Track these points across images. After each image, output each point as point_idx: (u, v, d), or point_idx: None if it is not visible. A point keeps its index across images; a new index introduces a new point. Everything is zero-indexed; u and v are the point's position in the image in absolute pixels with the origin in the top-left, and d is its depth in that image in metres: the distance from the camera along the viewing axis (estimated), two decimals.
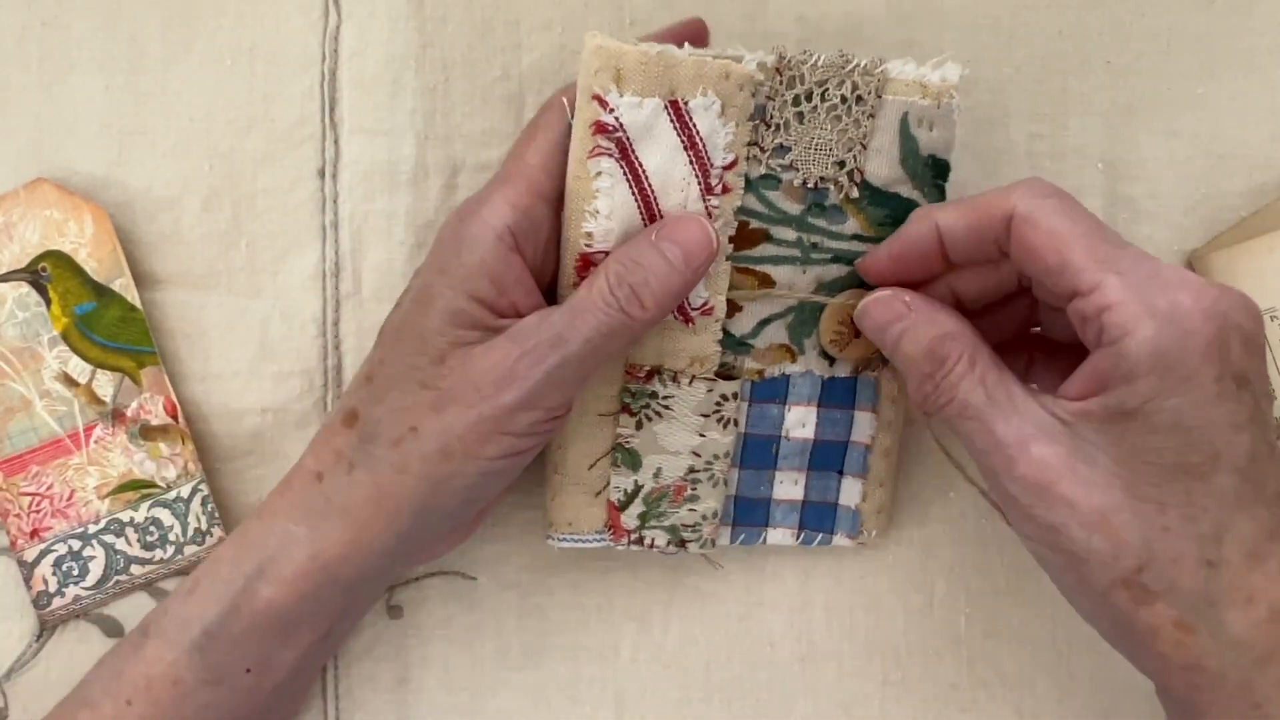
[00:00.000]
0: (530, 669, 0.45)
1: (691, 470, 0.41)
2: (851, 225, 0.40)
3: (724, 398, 0.41)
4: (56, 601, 0.43)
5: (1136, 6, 0.45)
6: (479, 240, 0.37)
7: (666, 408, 0.40)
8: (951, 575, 0.45)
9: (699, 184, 0.38)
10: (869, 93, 0.38)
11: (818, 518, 0.44)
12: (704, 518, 0.42)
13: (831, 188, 0.39)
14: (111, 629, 0.43)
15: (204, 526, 0.43)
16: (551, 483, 0.42)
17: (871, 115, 0.38)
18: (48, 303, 0.43)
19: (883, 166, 0.39)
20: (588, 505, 0.42)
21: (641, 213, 0.38)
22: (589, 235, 0.38)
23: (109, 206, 0.43)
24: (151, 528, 0.43)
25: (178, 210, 0.44)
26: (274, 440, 0.44)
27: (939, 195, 0.40)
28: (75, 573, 0.43)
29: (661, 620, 0.45)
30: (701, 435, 0.41)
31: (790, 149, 0.39)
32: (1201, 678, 0.34)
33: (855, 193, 0.39)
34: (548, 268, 0.39)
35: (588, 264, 0.38)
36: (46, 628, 0.43)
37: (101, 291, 0.43)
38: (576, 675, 0.45)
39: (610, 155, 0.37)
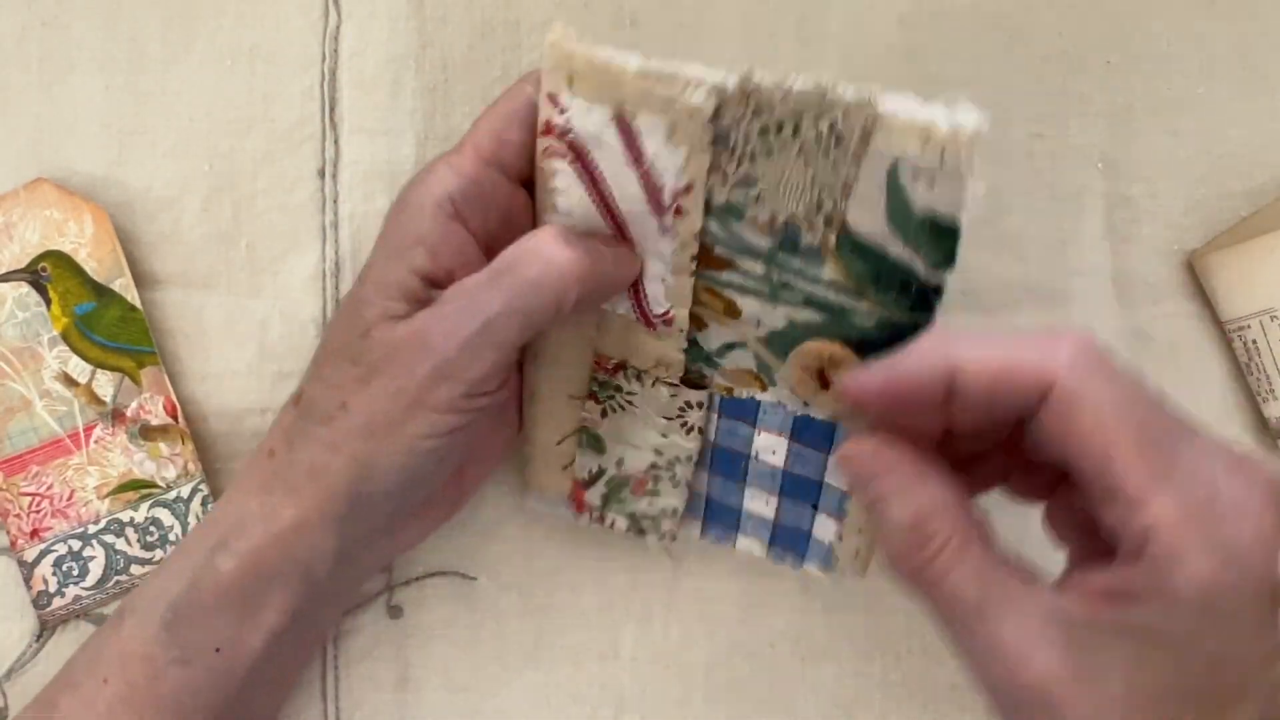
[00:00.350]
0: (530, 669, 0.45)
1: (653, 466, 0.41)
2: (827, 270, 0.35)
3: (688, 405, 0.40)
4: (56, 601, 0.43)
5: (1136, 6, 0.45)
6: (418, 209, 0.36)
7: (630, 403, 0.40)
8: None
9: (649, 201, 0.35)
10: (851, 134, 0.32)
11: (789, 539, 0.42)
12: (663, 512, 0.42)
13: (805, 228, 0.34)
14: None
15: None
16: (524, 452, 0.43)
17: (856, 159, 0.33)
18: (48, 303, 0.43)
19: (867, 217, 0.33)
20: (556, 474, 0.42)
21: (603, 213, 0.36)
22: None
23: (109, 206, 0.43)
24: (151, 528, 0.43)
25: (178, 210, 0.44)
26: None
27: (945, 259, 0.33)
28: (75, 573, 0.43)
29: (661, 620, 0.45)
30: (664, 436, 0.41)
31: (757, 180, 0.34)
32: None
33: (833, 240, 0.34)
34: (503, 238, 0.37)
35: None
36: (46, 628, 0.43)
37: (101, 291, 0.43)
38: (576, 675, 0.45)
39: (563, 157, 0.35)
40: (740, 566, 0.45)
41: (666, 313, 0.38)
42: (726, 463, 0.42)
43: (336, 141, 0.44)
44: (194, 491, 0.43)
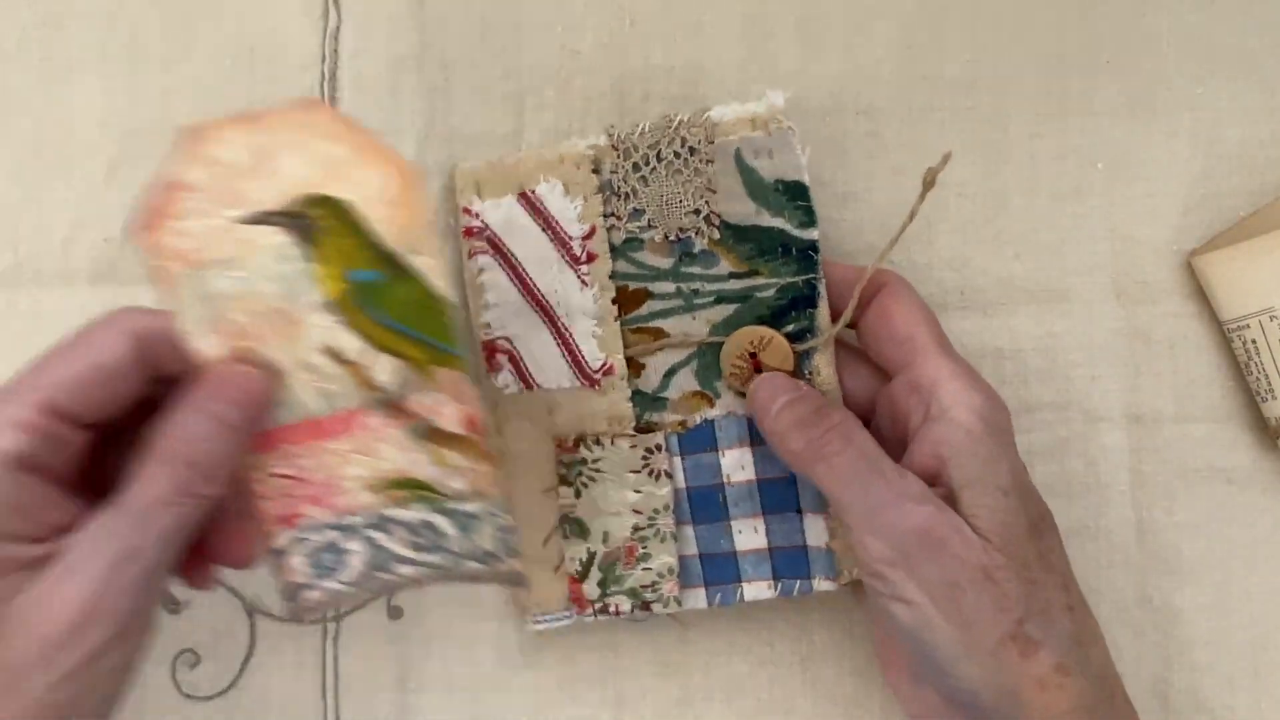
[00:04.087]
0: (530, 669, 0.45)
1: (636, 529, 0.42)
2: (724, 265, 0.41)
3: (650, 450, 0.42)
4: (309, 595, 0.37)
5: (1136, 6, 0.45)
6: None
7: (599, 470, 0.42)
8: None
9: (564, 256, 0.41)
10: (699, 142, 0.40)
11: (790, 565, 0.42)
12: (660, 575, 0.42)
13: (694, 235, 0.41)
14: None
15: (495, 551, 0.38)
16: None
17: (709, 160, 0.40)
18: (314, 260, 0.35)
19: (735, 204, 0.40)
20: (551, 582, 0.43)
21: (522, 293, 0.42)
22: (487, 325, 0.42)
23: (108, 207, 0.43)
24: (425, 530, 0.37)
25: None
26: None
27: (806, 216, 0.40)
28: (332, 565, 0.37)
29: (662, 620, 0.45)
30: (637, 491, 0.42)
31: (644, 210, 0.41)
32: (1080, 718, 0.36)
33: (717, 235, 0.41)
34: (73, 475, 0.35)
35: (492, 351, 0.42)
36: (295, 619, 0.40)
37: (391, 263, 0.35)
38: (576, 675, 0.45)
39: (485, 253, 0.42)
40: None
41: (605, 364, 0.42)
42: (704, 504, 0.43)
43: None
44: (488, 515, 0.37)
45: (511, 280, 0.42)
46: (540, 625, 0.43)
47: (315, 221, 0.34)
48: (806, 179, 0.40)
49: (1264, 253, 0.43)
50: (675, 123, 0.40)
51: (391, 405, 0.36)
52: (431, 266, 0.35)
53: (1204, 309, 0.45)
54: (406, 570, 0.37)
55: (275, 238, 0.34)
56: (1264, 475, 0.45)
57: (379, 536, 0.37)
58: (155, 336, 0.34)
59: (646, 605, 0.42)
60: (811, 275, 0.41)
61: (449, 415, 0.37)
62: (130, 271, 0.44)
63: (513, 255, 0.42)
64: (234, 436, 0.34)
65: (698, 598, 0.43)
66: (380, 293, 0.35)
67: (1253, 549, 0.45)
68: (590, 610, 0.43)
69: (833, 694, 0.45)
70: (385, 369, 0.36)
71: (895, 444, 0.40)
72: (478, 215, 0.42)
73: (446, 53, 0.44)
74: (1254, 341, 0.43)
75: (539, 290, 0.42)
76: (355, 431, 0.36)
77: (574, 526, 0.43)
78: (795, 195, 0.40)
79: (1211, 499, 0.45)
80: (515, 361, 0.42)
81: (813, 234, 0.41)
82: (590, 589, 0.43)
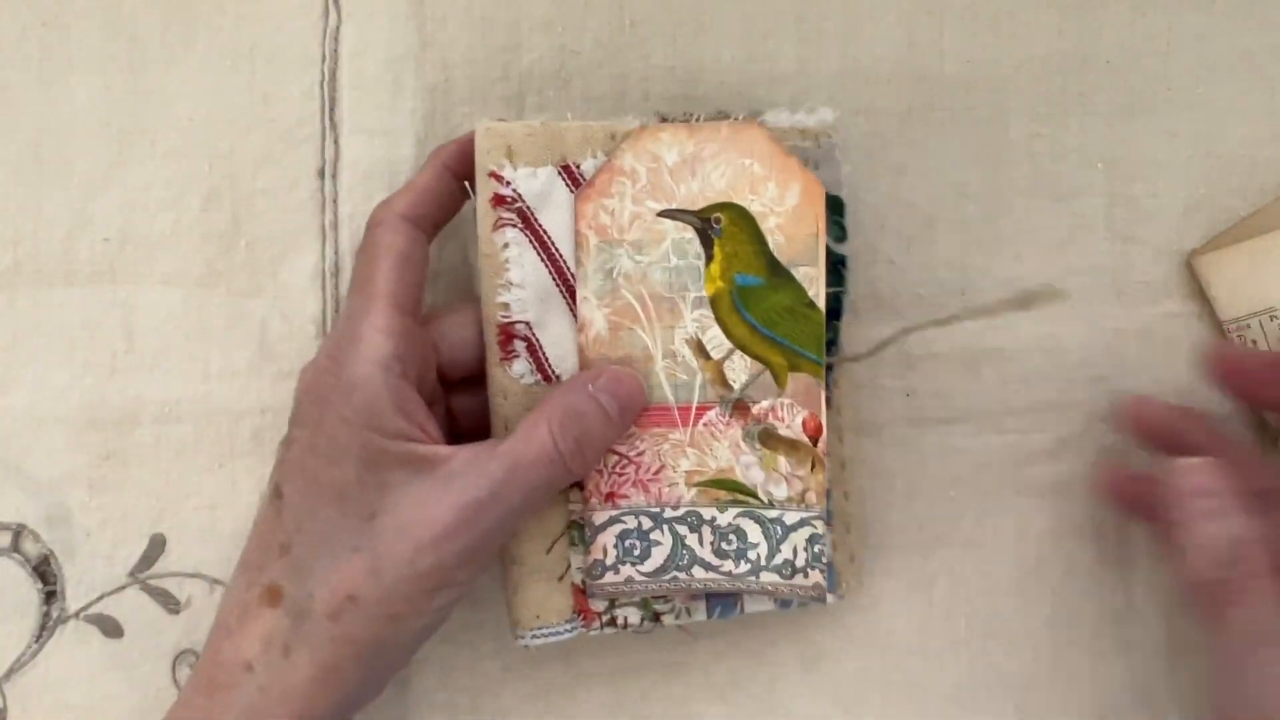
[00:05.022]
0: (530, 669, 0.45)
1: None
2: None
3: None
4: (609, 576, 0.39)
5: (1136, 6, 0.45)
6: (369, 379, 0.36)
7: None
8: (951, 575, 0.45)
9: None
10: None
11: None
12: None
13: None
14: (111, 629, 0.43)
15: (799, 564, 0.39)
16: (510, 577, 0.40)
17: None
18: (708, 259, 0.38)
19: None
20: (552, 593, 0.40)
21: (552, 275, 0.39)
22: (505, 306, 0.39)
23: (108, 207, 0.43)
24: (732, 536, 0.39)
25: (178, 210, 0.44)
26: (274, 441, 0.44)
27: (840, 231, 0.41)
28: (636, 552, 0.39)
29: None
30: None
31: None
32: None
33: None
34: (426, 381, 0.39)
35: (509, 336, 0.39)
36: (592, 599, 0.39)
37: (776, 270, 0.38)
38: (576, 675, 0.45)
39: (514, 225, 0.39)
40: None
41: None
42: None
43: (336, 141, 0.44)
44: (802, 524, 0.39)
45: (541, 259, 0.39)
46: (536, 641, 0.40)
47: (720, 225, 0.38)
48: (845, 194, 0.41)
49: (1264, 253, 0.43)
50: (730, 119, 0.40)
51: (737, 405, 0.39)
52: (812, 277, 0.38)
53: (1204, 309, 0.45)
54: (700, 575, 0.39)
55: (681, 233, 0.38)
56: None
57: (687, 534, 0.39)
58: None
59: (657, 616, 0.40)
60: (839, 289, 0.41)
61: (791, 420, 0.39)
62: (130, 271, 0.44)
63: (546, 233, 0.39)
64: (612, 430, 0.38)
65: (698, 609, 0.41)
66: (757, 296, 0.38)
67: None
68: (597, 623, 0.40)
69: (833, 694, 0.45)
70: (741, 369, 0.39)
71: None
72: (509, 184, 0.38)
73: (446, 52, 0.44)
74: (1254, 342, 0.43)
75: (571, 274, 0.39)
76: (697, 425, 0.39)
77: (582, 534, 0.40)
78: (832, 209, 0.40)
79: None
80: (534, 350, 0.39)
81: (843, 249, 0.41)
82: (597, 601, 0.40)
